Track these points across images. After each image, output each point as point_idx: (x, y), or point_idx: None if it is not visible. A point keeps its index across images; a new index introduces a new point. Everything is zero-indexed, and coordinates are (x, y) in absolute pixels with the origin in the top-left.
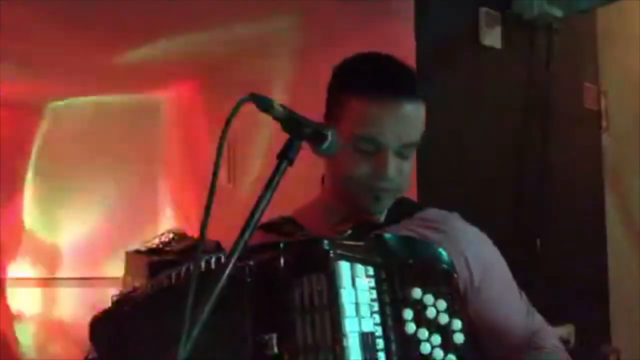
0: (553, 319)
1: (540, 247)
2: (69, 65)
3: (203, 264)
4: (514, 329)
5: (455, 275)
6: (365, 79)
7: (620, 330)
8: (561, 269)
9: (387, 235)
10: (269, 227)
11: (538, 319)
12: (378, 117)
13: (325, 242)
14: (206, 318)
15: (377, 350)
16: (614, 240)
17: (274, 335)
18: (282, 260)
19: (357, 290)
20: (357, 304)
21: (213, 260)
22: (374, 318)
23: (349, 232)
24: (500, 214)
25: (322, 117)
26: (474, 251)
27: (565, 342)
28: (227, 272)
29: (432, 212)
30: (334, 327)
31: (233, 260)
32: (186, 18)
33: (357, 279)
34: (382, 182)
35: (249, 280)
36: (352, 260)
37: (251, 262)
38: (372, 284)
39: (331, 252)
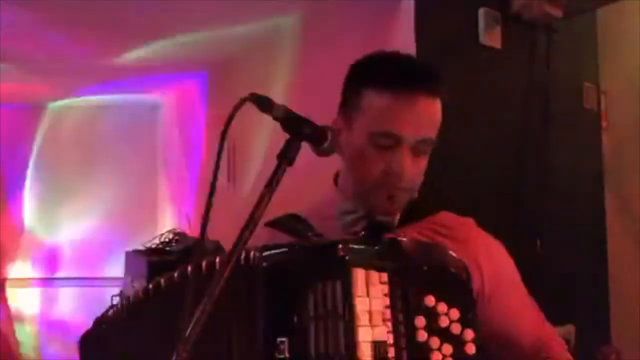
0: (553, 319)
1: (540, 247)
2: (69, 65)
3: (198, 267)
4: (525, 338)
5: (471, 284)
6: (385, 72)
7: (620, 330)
8: (561, 269)
9: (403, 240)
10: (276, 224)
11: (548, 328)
12: (396, 110)
13: (341, 247)
14: (209, 319)
15: (388, 359)
16: (614, 240)
17: (286, 340)
18: (296, 264)
19: (371, 298)
20: (370, 312)
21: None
22: (387, 326)
23: (362, 234)
24: (500, 214)
25: (337, 111)
26: (487, 259)
27: (565, 342)
28: (226, 272)
29: (446, 217)
30: (347, 335)
31: (233, 261)
32: (186, 18)
33: (371, 287)
34: (397, 179)
35: (262, 282)
36: (367, 266)
37: (265, 264)
38: (386, 290)
39: (347, 257)
